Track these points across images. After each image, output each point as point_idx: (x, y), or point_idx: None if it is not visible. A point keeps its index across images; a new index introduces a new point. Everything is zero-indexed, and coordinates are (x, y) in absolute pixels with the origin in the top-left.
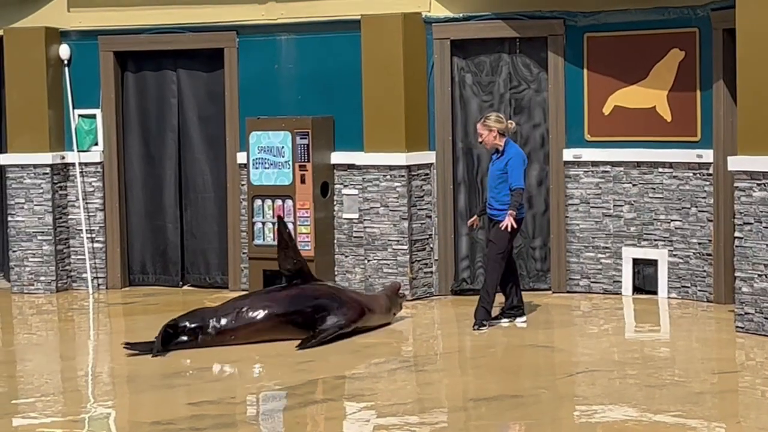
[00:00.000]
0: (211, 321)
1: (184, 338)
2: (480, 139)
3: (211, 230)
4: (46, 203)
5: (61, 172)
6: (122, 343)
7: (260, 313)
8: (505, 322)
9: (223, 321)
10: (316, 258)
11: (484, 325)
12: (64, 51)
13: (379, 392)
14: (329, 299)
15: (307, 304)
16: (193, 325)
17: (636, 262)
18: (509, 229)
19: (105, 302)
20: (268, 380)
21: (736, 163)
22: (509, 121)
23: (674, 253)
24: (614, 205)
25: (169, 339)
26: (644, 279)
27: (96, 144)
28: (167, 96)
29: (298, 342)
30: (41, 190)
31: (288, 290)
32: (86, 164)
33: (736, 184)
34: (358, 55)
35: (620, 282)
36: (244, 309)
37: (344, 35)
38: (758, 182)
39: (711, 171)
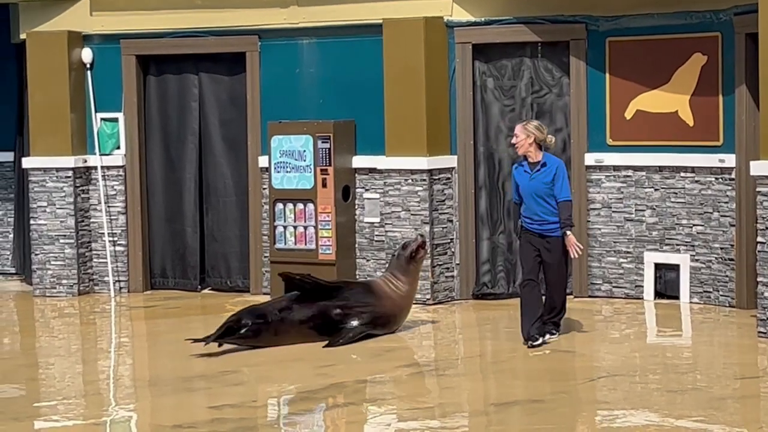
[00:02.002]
0: (272, 317)
1: (245, 332)
2: (514, 141)
3: (232, 234)
4: (68, 206)
5: (83, 175)
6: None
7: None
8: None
9: (286, 316)
10: (337, 262)
11: (537, 339)
12: (86, 55)
13: (400, 396)
14: (341, 294)
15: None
16: (253, 321)
17: (658, 266)
18: (578, 254)
19: (127, 305)
20: (289, 384)
21: (758, 167)
22: (549, 135)
23: (696, 258)
24: (636, 210)
25: (231, 333)
26: (666, 284)
27: (118, 147)
28: (189, 100)
29: (315, 346)
30: (63, 194)
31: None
32: (108, 168)
33: (758, 189)
34: (379, 60)
35: (642, 287)
36: (296, 306)
37: (366, 39)
38: None
39: (733, 176)
